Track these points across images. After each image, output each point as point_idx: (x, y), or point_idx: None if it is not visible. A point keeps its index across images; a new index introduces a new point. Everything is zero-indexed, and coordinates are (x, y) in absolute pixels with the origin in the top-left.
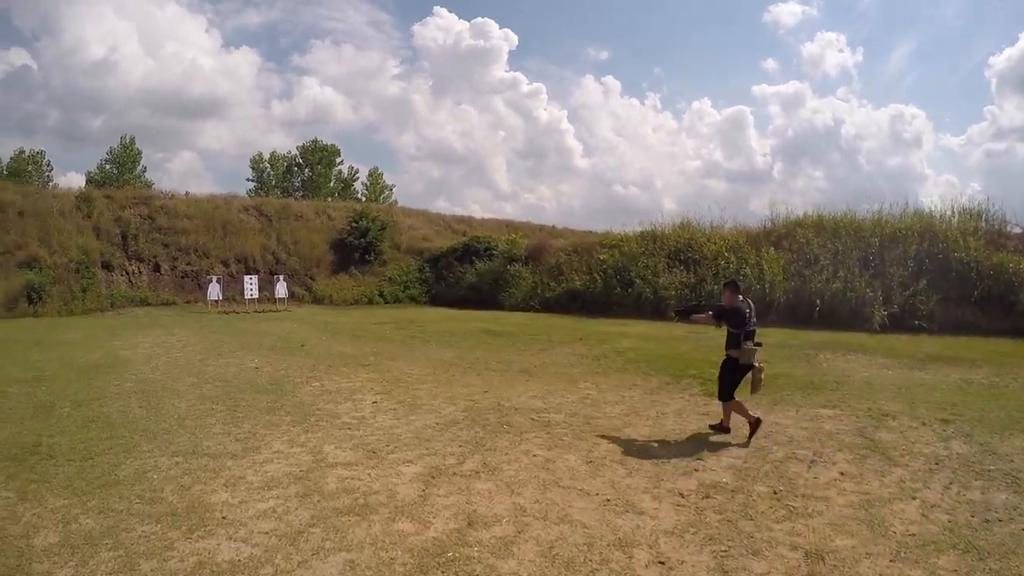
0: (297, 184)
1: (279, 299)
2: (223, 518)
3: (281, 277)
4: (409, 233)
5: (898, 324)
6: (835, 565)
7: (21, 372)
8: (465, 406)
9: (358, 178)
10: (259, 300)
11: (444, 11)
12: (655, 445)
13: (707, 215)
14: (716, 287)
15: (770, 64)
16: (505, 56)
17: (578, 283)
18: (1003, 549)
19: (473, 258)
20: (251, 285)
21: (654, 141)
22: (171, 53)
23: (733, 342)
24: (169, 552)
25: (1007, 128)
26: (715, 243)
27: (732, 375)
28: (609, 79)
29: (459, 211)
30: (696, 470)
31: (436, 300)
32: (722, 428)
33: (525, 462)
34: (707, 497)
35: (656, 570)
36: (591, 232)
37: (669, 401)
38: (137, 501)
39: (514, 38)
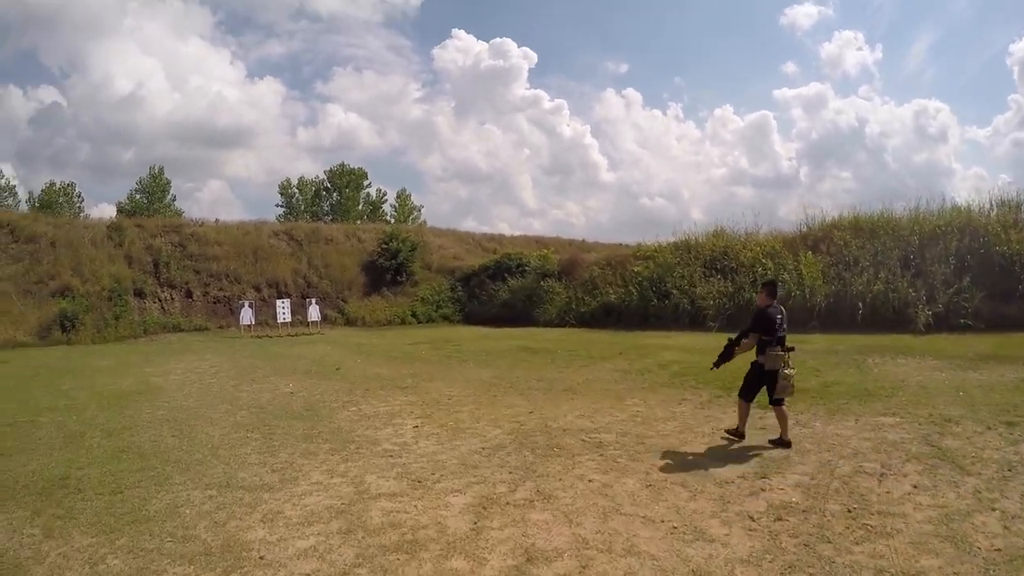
0: (326, 208)
1: (312, 322)
2: (260, 558)
3: (313, 300)
4: (439, 252)
5: (943, 324)
6: None
7: (52, 400)
8: (510, 428)
9: (386, 200)
10: (292, 324)
11: (462, 33)
12: (715, 464)
13: (740, 222)
14: (755, 295)
15: (789, 67)
16: (525, 74)
17: (613, 296)
18: None
19: (505, 275)
20: (283, 309)
21: (678, 151)
22: (196, 86)
23: (761, 348)
24: None
25: None
26: (751, 250)
27: (758, 378)
28: (630, 91)
29: (487, 229)
30: (763, 490)
31: (469, 318)
32: (736, 433)
33: (581, 488)
34: (779, 519)
35: None
36: (622, 245)
37: (722, 416)
38: (169, 539)
39: (533, 56)
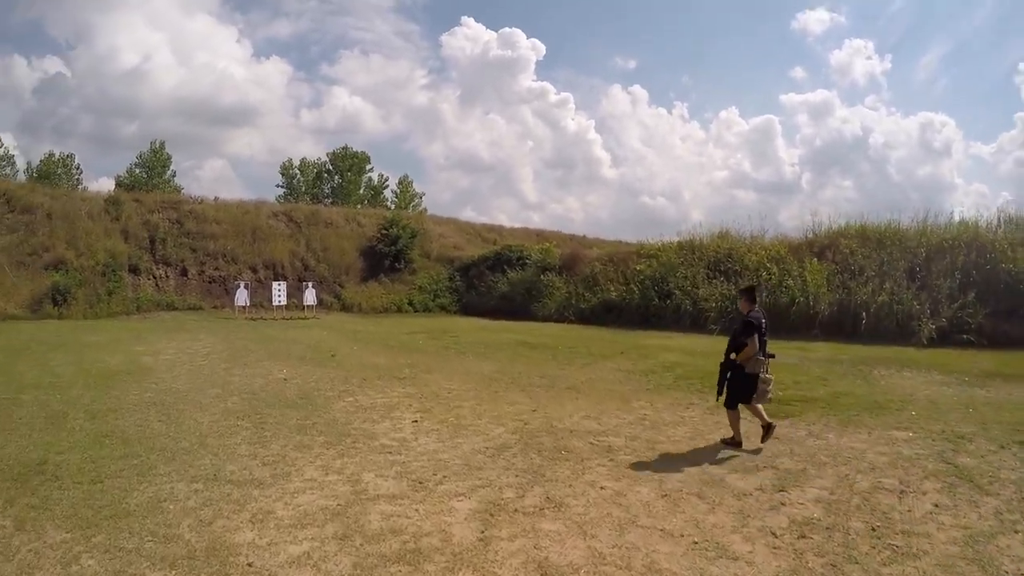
0: (327, 191)
1: (307, 306)
2: (249, 565)
3: (310, 284)
4: (439, 241)
5: (946, 338)
6: None
7: (37, 376)
8: (514, 427)
9: (388, 185)
10: (287, 307)
11: (471, 21)
12: (730, 473)
13: (745, 225)
14: (758, 299)
15: (798, 72)
16: (533, 66)
17: (614, 294)
18: None
19: (505, 267)
20: (279, 291)
21: (682, 151)
22: (202, 63)
23: (739, 347)
24: None
25: None
26: (756, 254)
27: (742, 384)
28: (637, 88)
29: (486, 220)
30: (783, 504)
31: (467, 309)
32: (733, 443)
33: (593, 495)
34: (803, 537)
35: None
36: (621, 242)
37: None
38: (149, 538)
39: (542, 48)
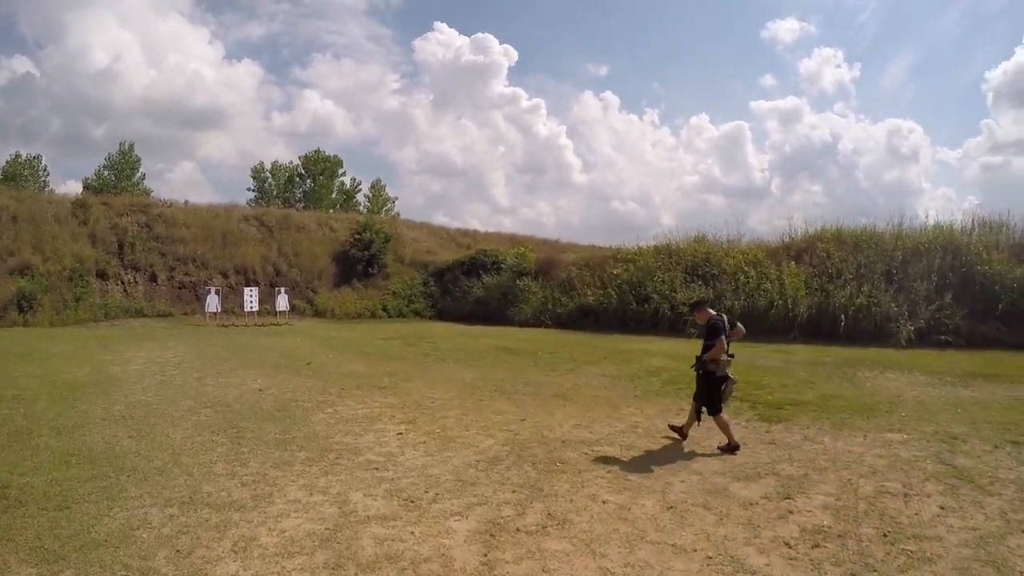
0: (299, 195)
1: (280, 312)
2: None
3: (282, 289)
4: (413, 246)
5: (924, 339)
6: None
7: None
8: (504, 438)
9: (360, 190)
10: (259, 313)
11: (444, 26)
12: (732, 481)
13: (721, 229)
14: (736, 302)
15: (768, 80)
16: (505, 71)
17: (591, 298)
18: None
19: (480, 272)
20: (251, 297)
21: (652, 157)
22: (174, 64)
23: (706, 348)
24: None
25: (1003, 142)
26: (733, 257)
27: (716, 388)
28: (608, 95)
29: (459, 225)
30: (791, 512)
31: (442, 315)
32: (729, 448)
33: (596, 510)
34: (817, 546)
35: None
36: (594, 247)
37: None
38: (123, 573)
39: (514, 54)
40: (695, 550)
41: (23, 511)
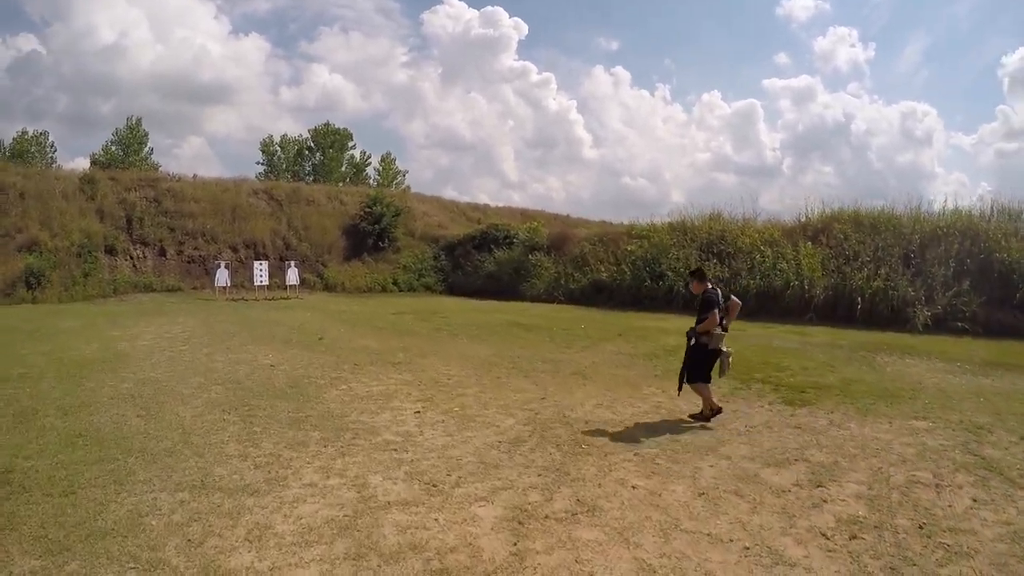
0: (308, 168)
1: (290, 286)
2: None
3: (292, 263)
4: (423, 220)
5: (941, 325)
6: None
7: (6, 367)
8: (525, 417)
9: (370, 163)
10: (269, 287)
11: None
12: (761, 467)
13: (734, 208)
14: (752, 282)
15: (781, 58)
16: (515, 45)
17: (604, 274)
18: None
19: (491, 246)
20: (261, 271)
21: (663, 133)
22: (181, 39)
23: (698, 321)
24: None
25: (1019, 128)
26: (749, 236)
27: (705, 359)
28: (619, 70)
29: (467, 199)
30: (824, 501)
31: (453, 289)
32: (702, 417)
33: (626, 496)
34: (854, 537)
35: None
36: (605, 222)
37: (750, 411)
38: (131, 565)
39: (524, 27)
40: (731, 540)
41: (27, 497)
